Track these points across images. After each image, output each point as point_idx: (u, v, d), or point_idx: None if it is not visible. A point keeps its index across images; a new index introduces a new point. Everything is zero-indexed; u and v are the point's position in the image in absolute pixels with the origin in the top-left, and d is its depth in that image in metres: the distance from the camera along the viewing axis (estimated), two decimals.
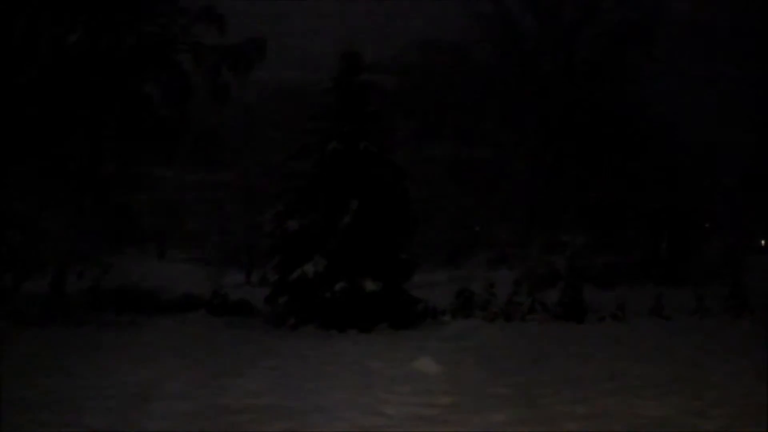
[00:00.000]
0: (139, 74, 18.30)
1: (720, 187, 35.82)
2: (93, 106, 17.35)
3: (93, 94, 17.24)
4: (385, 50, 39.06)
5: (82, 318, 16.53)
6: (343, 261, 16.70)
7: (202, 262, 31.41)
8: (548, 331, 16.79)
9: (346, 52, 18.27)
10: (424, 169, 35.23)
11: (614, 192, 33.47)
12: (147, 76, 18.54)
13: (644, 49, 35.82)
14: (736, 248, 32.96)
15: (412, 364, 11.06)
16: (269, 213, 18.61)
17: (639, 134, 34.35)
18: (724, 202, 35.69)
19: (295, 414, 8.02)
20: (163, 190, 30.21)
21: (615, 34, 37.00)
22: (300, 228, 17.30)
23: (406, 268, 17.71)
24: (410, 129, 36.09)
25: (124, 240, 21.93)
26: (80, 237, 17.84)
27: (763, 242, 39.31)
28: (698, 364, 11.80)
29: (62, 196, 17.50)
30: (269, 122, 36.00)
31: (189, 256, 35.92)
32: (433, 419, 7.93)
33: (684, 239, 33.89)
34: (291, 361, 11.85)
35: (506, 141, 38.13)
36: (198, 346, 13.67)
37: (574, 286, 19.60)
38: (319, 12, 46.30)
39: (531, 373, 10.90)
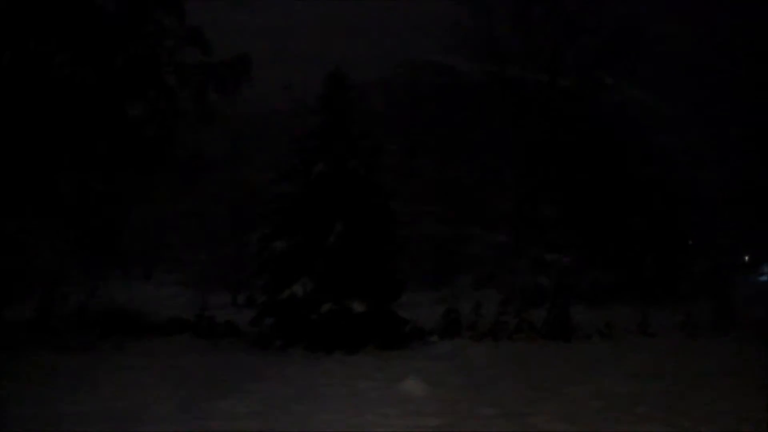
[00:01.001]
0: (126, 95, 18.28)
1: (705, 204, 36.03)
2: (80, 126, 17.30)
3: (80, 115, 17.20)
4: (372, 70, 39.25)
5: (68, 342, 16.38)
6: (330, 282, 16.67)
7: (188, 284, 31.22)
8: (536, 351, 16.79)
9: (332, 73, 18.36)
10: (411, 188, 35.30)
11: (600, 210, 33.63)
12: (134, 97, 18.52)
13: (627, 67, 36.21)
14: (721, 265, 33.10)
15: (400, 385, 11.02)
16: (256, 234, 18.57)
17: (624, 153, 34.58)
18: (708, 220, 35.89)
19: None
20: (149, 212, 30.10)
21: (598, 51, 37.37)
22: (287, 249, 17.26)
23: (393, 288, 17.69)
24: (397, 148, 36.18)
25: (111, 262, 21.80)
26: (67, 260, 17.73)
27: (747, 258, 39.50)
28: (686, 382, 11.82)
29: (48, 218, 17.40)
30: (257, 142, 36.02)
31: (176, 277, 35.71)
32: None
33: (669, 257, 34.02)
34: (278, 383, 11.78)
35: (492, 160, 38.30)
36: (184, 369, 13.57)
37: (561, 305, 19.62)
38: (305, 33, 46.52)
39: (519, 393, 10.88)
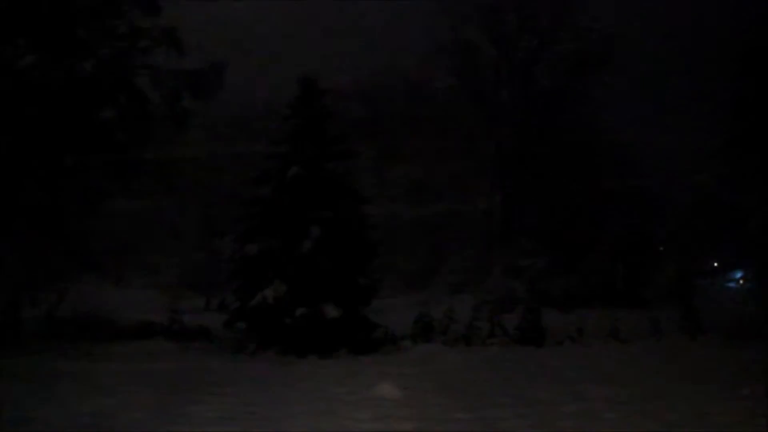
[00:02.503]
0: (97, 99, 18.05)
1: (674, 211, 36.46)
2: (48, 130, 17.06)
3: (48, 118, 16.95)
4: (347, 76, 39.29)
5: (37, 347, 16.14)
6: (303, 286, 16.61)
7: (161, 288, 30.90)
8: (508, 356, 16.84)
9: (305, 78, 18.35)
10: (385, 193, 35.38)
11: (571, 217, 33.91)
12: (105, 100, 18.30)
13: (599, 76, 36.57)
14: (689, 271, 33.48)
15: (373, 390, 11.00)
16: (229, 237, 18.46)
17: (595, 160, 34.91)
18: (677, 226, 36.30)
19: None
20: (121, 216, 29.79)
21: (571, 62, 37.73)
22: (260, 253, 17.19)
23: (366, 293, 17.68)
24: (371, 154, 36.23)
25: (80, 267, 21.52)
26: (35, 263, 17.49)
27: (716, 264, 40.01)
28: (657, 386, 11.92)
29: (16, 222, 17.14)
30: (231, 146, 35.85)
31: (147, 281, 35.32)
32: None
33: (640, 263, 34.35)
34: (250, 388, 11.71)
35: (465, 167, 38.51)
36: (154, 373, 13.44)
37: (533, 310, 19.72)
38: (281, 39, 46.37)
39: (491, 398, 10.90)
